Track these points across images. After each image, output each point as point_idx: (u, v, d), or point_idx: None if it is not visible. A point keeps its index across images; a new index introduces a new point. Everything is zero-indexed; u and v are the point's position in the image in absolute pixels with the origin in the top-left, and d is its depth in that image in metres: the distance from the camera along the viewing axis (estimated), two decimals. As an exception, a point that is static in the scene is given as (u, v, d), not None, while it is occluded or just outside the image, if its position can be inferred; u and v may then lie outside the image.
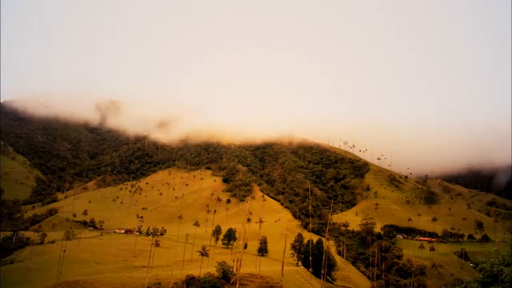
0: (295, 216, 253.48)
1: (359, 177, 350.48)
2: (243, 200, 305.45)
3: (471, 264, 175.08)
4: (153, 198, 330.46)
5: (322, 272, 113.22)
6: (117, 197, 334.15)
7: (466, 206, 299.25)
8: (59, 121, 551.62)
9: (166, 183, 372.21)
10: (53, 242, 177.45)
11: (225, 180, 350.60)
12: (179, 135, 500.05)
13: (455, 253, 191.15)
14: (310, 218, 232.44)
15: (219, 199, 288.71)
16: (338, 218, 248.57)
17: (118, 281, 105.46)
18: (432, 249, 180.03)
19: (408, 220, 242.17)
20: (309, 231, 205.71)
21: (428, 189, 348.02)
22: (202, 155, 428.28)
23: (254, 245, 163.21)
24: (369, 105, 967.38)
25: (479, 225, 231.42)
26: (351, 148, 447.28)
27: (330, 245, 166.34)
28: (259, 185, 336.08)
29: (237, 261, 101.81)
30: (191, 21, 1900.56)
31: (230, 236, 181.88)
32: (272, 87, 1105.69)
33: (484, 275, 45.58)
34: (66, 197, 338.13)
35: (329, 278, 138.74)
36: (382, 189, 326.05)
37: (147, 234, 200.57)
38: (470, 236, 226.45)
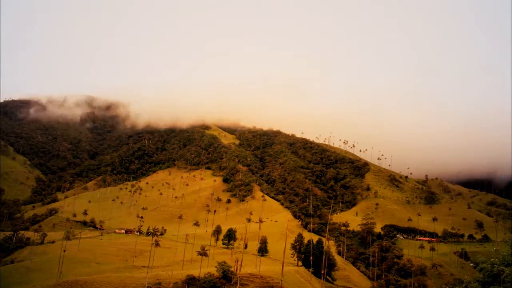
0: (295, 216, 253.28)
1: (359, 177, 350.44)
2: (243, 200, 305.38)
3: (471, 264, 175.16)
4: (153, 198, 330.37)
5: (322, 272, 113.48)
6: (117, 197, 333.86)
7: (466, 206, 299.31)
8: (59, 121, 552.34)
9: (166, 183, 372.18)
10: (53, 242, 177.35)
11: (225, 180, 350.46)
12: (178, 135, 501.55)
13: (455, 253, 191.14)
14: (311, 218, 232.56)
15: (219, 199, 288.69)
16: (338, 218, 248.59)
17: (118, 281, 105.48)
18: (432, 249, 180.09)
19: (408, 220, 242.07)
20: (309, 231, 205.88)
21: (428, 189, 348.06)
22: (202, 155, 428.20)
23: (254, 245, 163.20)
24: (369, 105, 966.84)
25: (479, 225, 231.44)
26: (351, 148, 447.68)
27: (330, 245, 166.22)
28: (259, 185, 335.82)
29: (237, 261, 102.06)
30: (191, 21, 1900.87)
31: (230, 236, 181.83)
32: (273, 86, 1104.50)
33: (485, 275, 45.60)
34: (66, 197, 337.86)
35: (329, 278, 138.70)
36: (382, 189, 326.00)
37: (147, 234, 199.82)
38: (470, 236, 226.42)
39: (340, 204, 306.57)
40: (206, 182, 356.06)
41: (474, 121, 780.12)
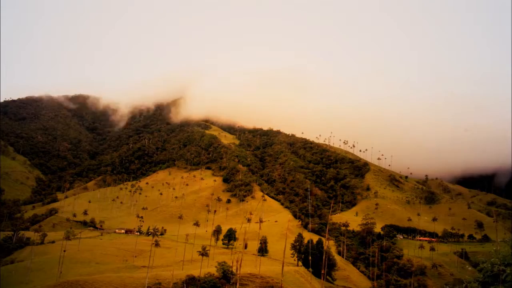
0: (295, 216, 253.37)
1: (359, 177, 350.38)
2: (243, 200, 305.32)
3: (470, 264, 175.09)
4: (153, 198, 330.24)
5: (322, 272, 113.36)
6: (117, 197, 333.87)
7: (466, 206, 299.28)
8: (59, 121, 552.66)
9: (166, 183, 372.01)
10: (53, 242, 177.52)
11: (225, 180, 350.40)
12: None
13: (455, 253, 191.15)
14: (310, 218, 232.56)
15: (219, 199, 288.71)
16: (338, 218, 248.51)
17: (118, 281, 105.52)
18: (432, 249, 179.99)
19: (408, 220, 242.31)
20: (309, 231, 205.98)
21: (428, 189, 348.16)
22: (202, 155, 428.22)
23: (254, 245, 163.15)
24: (369, 105, 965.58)
25: (479, 225, 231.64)
26: (351, 148, 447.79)
27: (330, 245, 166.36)
28: (259, 185, 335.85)
29: (237, 261, 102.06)
30: (191, 21, 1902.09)
31: (230, 236, 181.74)
32: (272, 86, 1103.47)
33: (485, 275, 45.55)
34: (66, 197, 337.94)
35: (329, 278, 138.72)
36: (382, 189, 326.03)
37: (147, 234, 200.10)
38: (470, 236, 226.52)
39: (340, 204, 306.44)
40: (206, 182, 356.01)
41: (474, 121, 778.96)
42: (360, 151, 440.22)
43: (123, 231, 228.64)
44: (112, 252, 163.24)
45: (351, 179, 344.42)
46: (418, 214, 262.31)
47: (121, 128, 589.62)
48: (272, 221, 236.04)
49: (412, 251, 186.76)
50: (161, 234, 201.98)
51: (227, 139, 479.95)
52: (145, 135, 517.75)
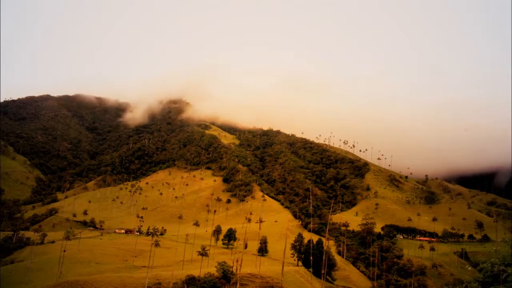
0: (295, 216, 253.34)
1: (359, 177, 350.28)
2: (243, 200, 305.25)
3: (470, 264, 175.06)
4: (153, 198, 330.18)
5: (322, 272, 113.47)
6: (117, 197, 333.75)
7: (466, 206, 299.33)
8: (59, 121, 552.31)
9: (166, 183, 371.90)
10: (53, 242, 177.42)
11: (225, 180, 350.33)
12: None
13: (455, 253, 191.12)
14: (311, 218, 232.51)
15: (219, 199, 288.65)
16: (338, 218, 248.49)
17: (118, 281, 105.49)
18: (432, 249, 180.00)
19: (408, 220, 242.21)
20: (309, 231, 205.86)
21: (428, 189, 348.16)
22: (202, 155, 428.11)
23: (254, 245, 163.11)
24: (369, 105, 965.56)
25: (479, 225, 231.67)
26: (351, 148, 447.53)
27: (330, 245, 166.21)
28: (259, 185, 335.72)
29: (237, 261, 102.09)
30: (191, 21, 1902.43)
31: (230, 236, 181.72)
32: (273, 86, 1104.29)
33: (485, 275, 45.60)
34: (66, 197, 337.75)
35: (329, 278, 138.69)
36: (382, 189, 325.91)
37: (147, 234, 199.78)
38: (470, 236, 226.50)
39: (340, 204, 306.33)
40: (206, 182, 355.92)
41: (474, 121, 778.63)
42: (360, 151, 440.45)
43: (123, 231, 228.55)
44: (112, 252, 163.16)
45: (351, 179, 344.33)
46: (418, 214, 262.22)
47: (122, 128, 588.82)
48: (272, 221, 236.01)
49: (412, 251, 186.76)
50: (161, 234, 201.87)
51: (227, 139, 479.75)
52: (145, 135, 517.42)
